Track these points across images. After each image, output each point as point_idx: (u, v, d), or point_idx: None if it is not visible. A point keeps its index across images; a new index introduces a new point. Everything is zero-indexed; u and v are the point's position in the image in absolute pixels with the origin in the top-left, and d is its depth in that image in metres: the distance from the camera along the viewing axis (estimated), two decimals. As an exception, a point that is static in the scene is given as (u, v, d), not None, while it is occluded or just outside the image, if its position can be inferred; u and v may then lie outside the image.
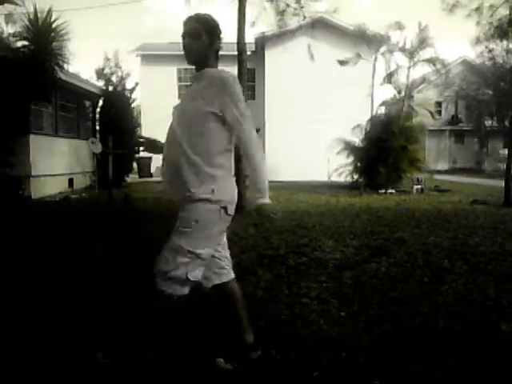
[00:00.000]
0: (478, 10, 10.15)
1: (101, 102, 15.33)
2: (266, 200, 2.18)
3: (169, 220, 2.56)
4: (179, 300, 2.23)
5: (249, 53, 10.11)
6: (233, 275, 2.52)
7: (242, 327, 2.51)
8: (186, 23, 2.29)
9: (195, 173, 2.17)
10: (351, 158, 15.05)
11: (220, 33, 2.35)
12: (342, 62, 17.60)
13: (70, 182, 13.01)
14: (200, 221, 2.17)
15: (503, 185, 11.11)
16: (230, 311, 2.52)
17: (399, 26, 15.27)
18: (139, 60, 21.97)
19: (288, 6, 10.18)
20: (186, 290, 2.23)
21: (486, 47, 13.60)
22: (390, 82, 16.10)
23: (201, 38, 2.25)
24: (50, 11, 9.40)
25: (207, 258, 2.26)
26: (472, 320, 3.11)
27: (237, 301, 2.51)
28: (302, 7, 10.32)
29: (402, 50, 15.21)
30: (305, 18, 10.74)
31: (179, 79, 22.31)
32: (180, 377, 2.35)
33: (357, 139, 14.95)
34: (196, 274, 2.22)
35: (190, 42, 2.25)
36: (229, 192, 2.25)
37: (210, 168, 2.18)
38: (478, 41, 11.51)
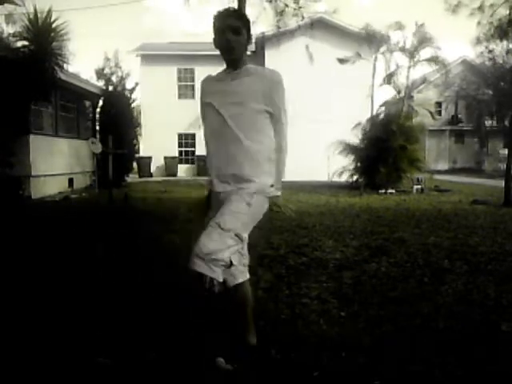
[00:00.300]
0: (481, 8, 10.14)
1: (101, 102, 15.33)
2: (279, 192, 2.37)
3: (168, 220, 2.55)
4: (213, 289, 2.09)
5: (249, 53, 10.11)
6: (248, 275, 2.50)
7: (247, 328, 2.50)
8: (224, 18, 2.24)
9: (256, 166, 2.24)
10: (351, 158, 15.04)
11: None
12: (341, 61, 17.61)
13: (70, 181, 13.01)
14: (253, 208, 2.21)
15: (503, 185, 11.10)
16: (239, 311, 2.50)
17: (399, 26, 15.27)
18: (139, 60, 21.98)
19: (287, 6, 10.19)
20: (221, 278, 2.11)
21: (486, 47, 13.62)
22: (389, 82, 16.10)
23: (242, 33, 2.23)
24: (49, 11, 9.41)
25: (244, 245, 2.29)
26: (472, 320, 3.10)
27: (248, 301, 2.50)
28: (301, 7, 10.33)
29: (402, 49, 15.20)
30: (303, 18, 10.75)
31: (179, 79, 22.32)
32: (180, 377, 2.35)
33: (356, 139, 14.95)
34: (237, 260, 2.23)
35: (235, 37, 2.21)
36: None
37: (267, 163, 2.30)
38: (478, 41, 11.53)
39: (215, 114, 2.27)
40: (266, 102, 2.23)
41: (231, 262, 2.14)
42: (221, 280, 2.09)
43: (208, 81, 2.42)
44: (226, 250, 2.09)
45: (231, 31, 2.21)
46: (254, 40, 17.84)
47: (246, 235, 2.21)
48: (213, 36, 2.28)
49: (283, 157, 2.39)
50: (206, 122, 2.37)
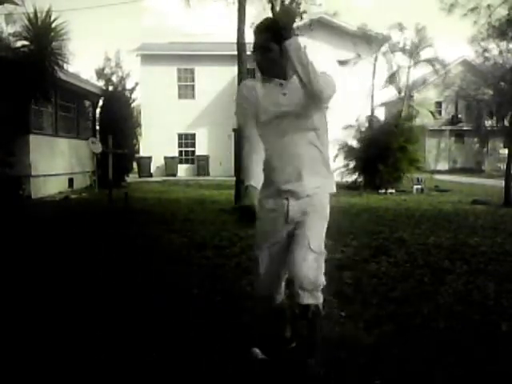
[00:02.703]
0: (475, 10, 10.17)
1: (101, 102, 15.33)
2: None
3: (168, 220, 2.55)
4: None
5: (249, 53, 10.08)
6: None
7: (285, 325, 2.57)
8: (254, 36, 2.17)
9: (327, 172, 2.29)
10: (351, 158, 15.03)
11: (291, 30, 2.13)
12: (342, 63, 17.61)
13: (70, 181, 13.00)
14: (328, 215, 2.30)
15: (503, 185, 11.11)
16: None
17: (400, 27, 15.27)
18: (139, 60, 21.98)
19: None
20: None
21: (482, 47, 13.64)
22: (392, 83, 16.11)
23: (272, 48, 2.12)
24: (49, 11, 9.41)
25: None
26: (472, 320, 3.10)
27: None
28: (299, 8, 10.32)
29: (403, 50, 15.20)
30: (302, 18, 10.75)
31: (179, 79, 22.32)
32: (180, 377, 2.34)
33: (351, 139, 14.92)
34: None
35: (262, 57, 2.16)
36: None
37: (329, 167, 2.32)
38: (473, 39, 11.56)
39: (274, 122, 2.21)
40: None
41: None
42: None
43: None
44: (322, 274, 2.20)
45: (259, 51, 2.16)
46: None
47: None
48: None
49: None
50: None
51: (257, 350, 2.44)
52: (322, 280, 2.19)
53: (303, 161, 2.18)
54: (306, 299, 2.12)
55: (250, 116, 2.21)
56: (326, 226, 2.27)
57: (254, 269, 2.39)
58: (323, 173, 2.26)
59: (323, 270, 2.22)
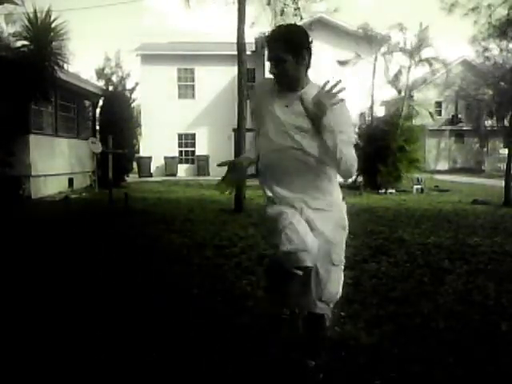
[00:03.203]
0: (476, 9, 10.16)
1: (101, 102, 15.33)
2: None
3: (168, 220, 2.55)
4: None
5: (249, 53, 10.09)
6: None
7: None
8: (268, 48, 2.08)
9: (329, 185, 2.22)
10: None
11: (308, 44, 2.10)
12: (341, 63, 17.58)
13: (70, 181, 13.00)
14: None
15: (503, 185, 11.10)
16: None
17: (401, 27, 15.24)
18: (139, 60, 21.98)
19: (286, 6, 10.18)
20: None
21: (483, 47, 13.61)
22: (395, 83, 16.10)
23: (287, 60, 2.04)
24: (49, 11, 9.41)
25: None
26: (472, 320, 3.10)
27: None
28: (299, 8, 10.32)
29: (403, 50, 15.18)
30: (301, 18, 10.74)
31: (179, 79, 22.31)
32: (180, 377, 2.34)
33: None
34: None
35: (277, 69, 2.07)
36: None
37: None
38: (474, 39, 11.55)
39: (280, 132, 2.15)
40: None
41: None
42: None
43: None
44: (341, 286, 2.25)
45: (274, 63, 2.07)
46: (253, 40, 17.87)
47: None
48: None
49: None
50: None
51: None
52: (340, 293, 2.24)
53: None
54: (320, 310, 2.17)
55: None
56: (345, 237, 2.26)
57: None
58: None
59: (342, 282, 2.26)
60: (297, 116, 2.07)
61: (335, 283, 2.19)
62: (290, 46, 2.02)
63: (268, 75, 2.17)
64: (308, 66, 2.14)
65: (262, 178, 2.22)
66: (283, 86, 2.13)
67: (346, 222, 2.26)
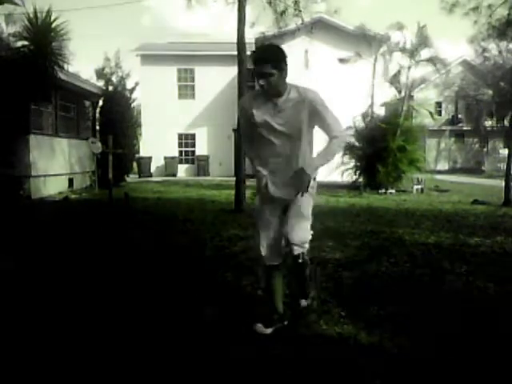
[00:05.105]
0: (477, 9, 10.16)
1: (101, 102, 15.33)
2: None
3: (168, 220, 2.55)
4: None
5: (249, 53, 10.08)
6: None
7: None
8: (256, 65, 2.58)
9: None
10: (351, 158, 15.01)
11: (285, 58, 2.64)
12: (342, 60, 17.59)
13: (70, 181, 13.00)
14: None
15: (503, 185, 11.11)
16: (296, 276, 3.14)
17: (399, 27, 15.22)
18: (139, 60, 21.98)
19: (287, 8, 10.17)
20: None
21: (482, 47, 13.63)
22: (395, 83, 16.08)
23: (273, 74, 2.56)
24: (49, 11, 9.40)
25: None
26: (472, 320, 3.10)
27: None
28: (300, 10, 10.31)
29: (403, 49, 15.16)
30: (303, 21, 10.74)
31: (179, 79, 22.32)
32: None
33: (352, 138, 14.91)
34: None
35: (265, 81, 2.57)
36: None
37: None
38: (474, 39, 11.55)
39: (271, 130, 2.75)
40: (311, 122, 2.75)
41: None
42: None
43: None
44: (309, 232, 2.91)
45: (261, 77, 2.57)
46: (253, 40, 17.88)
47: None
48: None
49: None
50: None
51: (260, 325, 2.84)
52: (309, 237, 2.90)
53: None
54: (296, 251, 2.81)
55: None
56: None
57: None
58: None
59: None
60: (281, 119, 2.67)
61: (300, 230, 2.83)
62: (274, 63, 2.56)
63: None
64: (286, 76, 2.65)
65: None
66: (270, 95, 2.64)
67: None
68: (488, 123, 28.05)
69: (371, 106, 15.79)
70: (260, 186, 2.85)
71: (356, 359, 2.50)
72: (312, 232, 2.96)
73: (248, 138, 2.90)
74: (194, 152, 22.51)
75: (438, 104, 31.00)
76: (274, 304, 2.94)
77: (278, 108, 2.65)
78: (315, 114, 2.68)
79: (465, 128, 30.44)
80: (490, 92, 23.63)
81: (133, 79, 17.51)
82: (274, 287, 2.96)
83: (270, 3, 9.96)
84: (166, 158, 21.45)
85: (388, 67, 15.81)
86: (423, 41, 14.83)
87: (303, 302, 3.05)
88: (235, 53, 8.97)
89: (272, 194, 2.81)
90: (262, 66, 2.55)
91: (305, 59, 12.60)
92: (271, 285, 2.96)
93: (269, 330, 2.84)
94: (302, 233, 2.83)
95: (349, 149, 14.91)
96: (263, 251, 2.87)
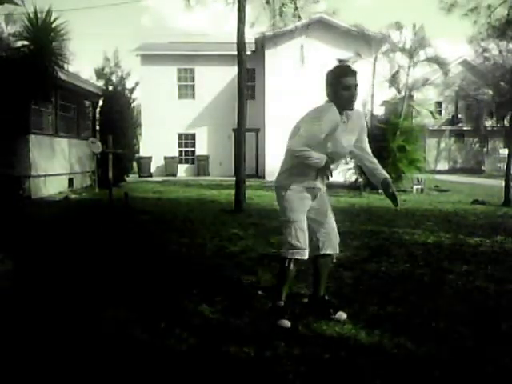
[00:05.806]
0: (475, 10, 10.15)
1: (101, 102, 15.32)
2: None
3: (168, 220, 2.55)
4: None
5: (249, 53, 10.10)
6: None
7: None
8: (352, 77, 2.94)
9: None
10: (351, 158, 15.00)
11: None
12: (341, 61, 17.56)
13: (70, 181, 13.00)
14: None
15: (503, 185, 11.11)
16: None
17: (399, 26, 15.22)
18: (139, 60, 21.96)
19: (284, 6, 10.17)
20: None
21: (482, 47, 13.63)
22: (394, 83, 16.09)
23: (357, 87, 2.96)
24: (49, 11, 9.39)
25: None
26: (472, 320, 3.10)
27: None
28: (298, 8, 10.32)
29: (402, 49, 15.16)
30: (300, 19, 10.76)
31: (179, 79, 22.30)
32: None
33: None
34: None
35: (356, 92, 2.95)
36: None
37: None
38: (473, 39, 11.55)
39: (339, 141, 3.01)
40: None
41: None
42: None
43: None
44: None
45: (349, 89, 2.90)
46: (253, 40, 17.88)
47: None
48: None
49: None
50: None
51: (285, 321, 2.93)
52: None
53: None
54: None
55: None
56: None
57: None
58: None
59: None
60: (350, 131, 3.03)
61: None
62: (356, 77, 2.96)
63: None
64: None
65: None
66: (350, 106, 2.96)
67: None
68: (488, 123, 28.05)
69: (371, 105, 15.79)
70: (317, 168, 2.93)
71: (356, 359, 2.51)
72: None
73: (307, 145, 2.93)
74: (193, 152, 22.49)
75: (438, 104, 31.00)
76: (280, 292, 3.07)
77: (345, 119, 2.97)
78: (362, 132, 3.09)
79: (465, 128, 30.44)
80: (490, 92, 23.61)
81: (133, 79, 17.50)
82: (290, 277, 3.09)
83: (267, 2, 9.96)
84: (165, 157, 21.44)
85: (388, 67, 15.82)
86: (421, 42, 14.84)
87: (343, 316, 3.08)
88: (235, 53, 8.97)
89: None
90: (353, 78, 2.91)
91: (301, 55, 12.58)
92: (288, 275, 3.06)
93: (289, 324, 2.93)
94: (336, 237, 3.15)
95: None
96: (300, 245, 2.98)
